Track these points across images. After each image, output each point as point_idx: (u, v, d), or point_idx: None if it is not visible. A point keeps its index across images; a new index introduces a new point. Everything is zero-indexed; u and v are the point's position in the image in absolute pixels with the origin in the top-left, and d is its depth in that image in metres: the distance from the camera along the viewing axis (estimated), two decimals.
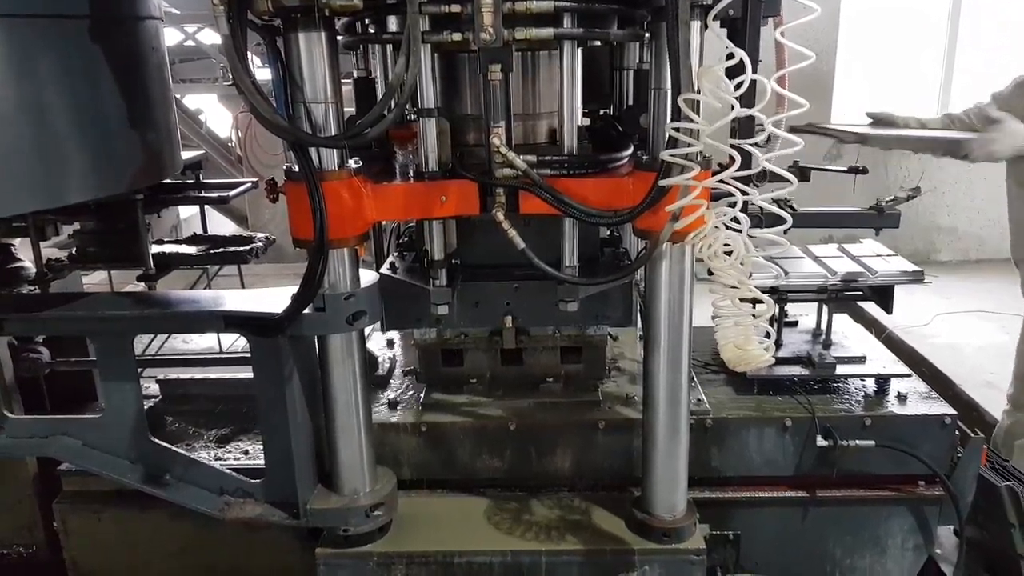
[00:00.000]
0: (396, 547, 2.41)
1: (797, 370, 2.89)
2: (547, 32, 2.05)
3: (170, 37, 8.42)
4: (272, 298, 2.27)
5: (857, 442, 2.64)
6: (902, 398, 2.80)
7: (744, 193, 1.92)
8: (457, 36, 2.03)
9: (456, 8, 1.97)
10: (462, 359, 2.90)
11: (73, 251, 2.85)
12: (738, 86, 1.83)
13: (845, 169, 3.06)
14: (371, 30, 2.42)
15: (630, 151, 2.35)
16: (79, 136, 2.04)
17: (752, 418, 2.71)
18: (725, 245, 1.98)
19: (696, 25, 1.93)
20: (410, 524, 2.51)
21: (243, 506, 2.43)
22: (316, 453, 2.44)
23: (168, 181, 2.78)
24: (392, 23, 2.32)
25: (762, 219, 2.23)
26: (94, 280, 5.40)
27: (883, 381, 2.87)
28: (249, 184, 3.16)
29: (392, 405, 2.80)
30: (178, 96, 8.44)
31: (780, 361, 2.87)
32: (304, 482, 2.38)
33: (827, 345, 3.03)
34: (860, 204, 3.07)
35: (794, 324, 3.21)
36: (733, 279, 2.01)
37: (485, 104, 2.09)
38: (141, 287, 2.85)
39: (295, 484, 2.36)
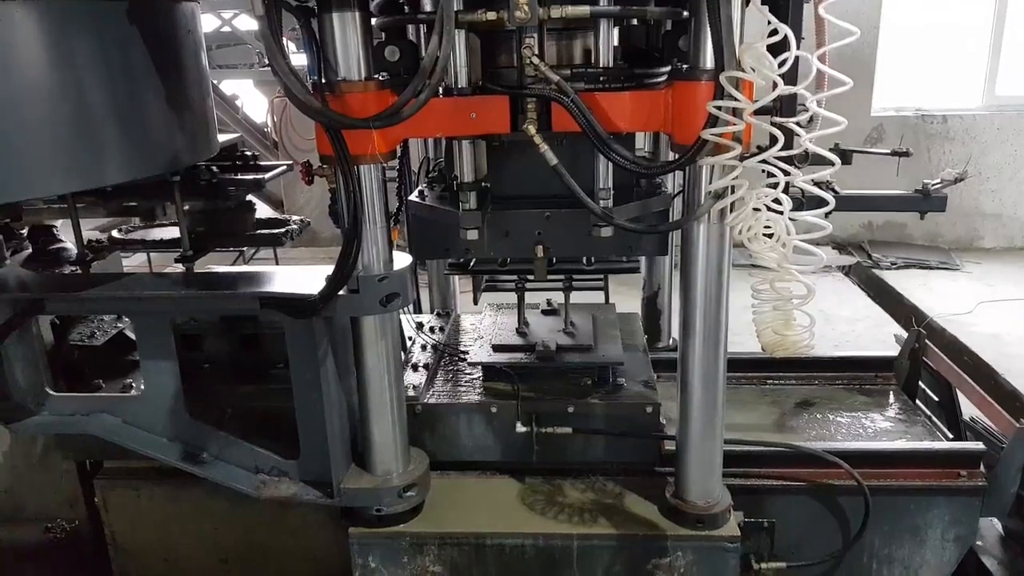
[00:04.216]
0: (428, 528, 2.43)
1: None
2: (583, 10, 2.01)
3: (207, 23, 8.48)
4: (307, 279, 2.27)
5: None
6: None
7: (786, 174, 1.87)
8: (491, 15, 2.01)
9: None
10: None
11: (113, 233, 2.89)
12: (782, 63, 1.78)
13: (888, 152, 2.98)
14: (406, 10, 2.40)
15: (667, 69, 2.29)
16: (116, 117, 2.05)
17: None
18: (766, 227, 1.93)
19: (737, 1, 1.88)
20: (442, 505, 2.51)
21: (278, 485, 2.46)
22: (350, 433, 2.46)
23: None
24: (426, 2, 2.30)
25: (803, 201, 2.18)
26: (134, 262, 5.48)
27: None
28: (284, 167, 3.17)
29: None
30: (215, 81, 8.51)
31: None
32: (338, 462, 2.39)
33: None
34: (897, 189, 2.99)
35: None
36: (773, 262, 1.96)
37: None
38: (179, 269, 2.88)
39: (329, 464, 2.38)
